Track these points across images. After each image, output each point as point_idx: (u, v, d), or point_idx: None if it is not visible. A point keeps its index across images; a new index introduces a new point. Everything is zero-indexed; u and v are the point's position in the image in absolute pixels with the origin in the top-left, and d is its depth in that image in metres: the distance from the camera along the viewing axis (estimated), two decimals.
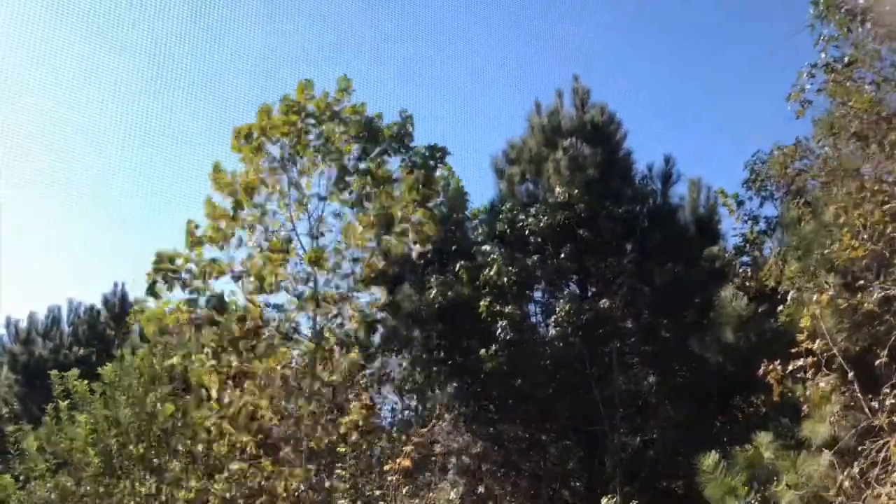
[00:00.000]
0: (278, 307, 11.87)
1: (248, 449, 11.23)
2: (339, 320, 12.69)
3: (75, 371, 13.02)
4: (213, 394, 11.32)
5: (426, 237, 12.36)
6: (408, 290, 12.09)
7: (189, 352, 11.51)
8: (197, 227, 11.74)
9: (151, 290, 11.59)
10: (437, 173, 12.26)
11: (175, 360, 11.59)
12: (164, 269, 11.56)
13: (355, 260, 12.14)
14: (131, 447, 11.72)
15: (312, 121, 11.97)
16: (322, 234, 11.96)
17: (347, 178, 11.90)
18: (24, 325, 28.04)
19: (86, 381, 12.75)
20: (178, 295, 11.81)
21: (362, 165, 12.06)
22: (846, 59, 6.83)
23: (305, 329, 12.43)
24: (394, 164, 12.20)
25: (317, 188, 12.14)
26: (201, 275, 11.57)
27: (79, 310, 28.99)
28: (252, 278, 11.64)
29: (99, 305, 28.54)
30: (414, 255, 12.44)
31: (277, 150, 12.00)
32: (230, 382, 11.34)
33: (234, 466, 11.29)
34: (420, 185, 11.86)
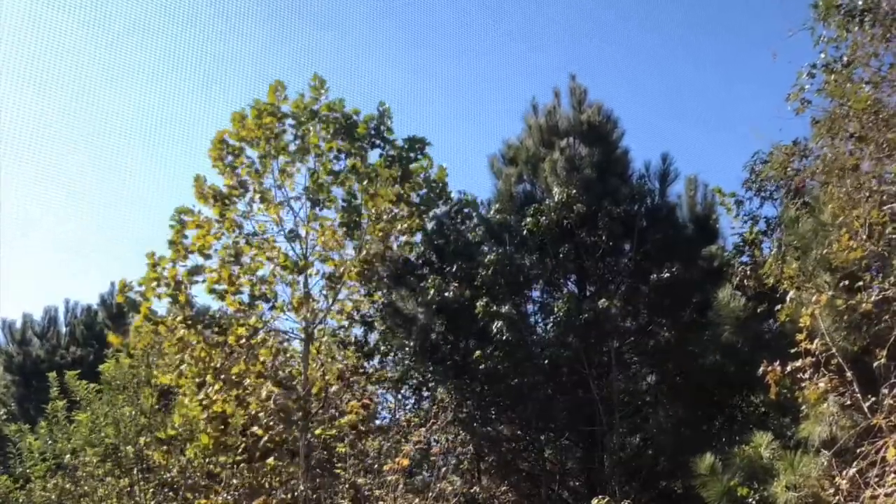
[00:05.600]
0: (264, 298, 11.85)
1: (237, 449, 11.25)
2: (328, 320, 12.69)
3: (73, 373, 13.04)
4: (193, 399, 11.37)
5: (412, 230, 12.34)
6: (405, 290, 12.07)
7: (176, 366, 11.54)
8: (185, 237, 11.74)
9: (131, 307, 11.61)
10: (419, 165, 12.21)
11: (163, 378, 11.64)
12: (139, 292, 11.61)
13: (326, 260, 12.12)
14: (129, 447, 11.75)
15: (291, 122, 11.94)
16: (304, 235, 11.95)
17: (326, 178, 11.88)
18: (19, 325, 27.98)
19: (85, 382, 12.78)
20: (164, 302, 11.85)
21: (340, 164, 12.02)
22: (845, 60, 6.84)
23: (296, 330, 12.43)
24: (373, 157, 12.18)
25: (298, 189, 12.14)
26: (181, 285, 11.58)
27: (75, 310, 28.95)
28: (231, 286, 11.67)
29: (96, 306, 28.50)
30: (397, 248, 12.41)
31: (256, 154, 12.00)
32: (213, 386, 11.36)
33: (222, 458, 11.34)
34: (398, 179, 11.83)
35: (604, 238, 11.76)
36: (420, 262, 12.75)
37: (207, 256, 11.80)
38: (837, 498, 6.24)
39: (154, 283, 11.66)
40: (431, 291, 11.71)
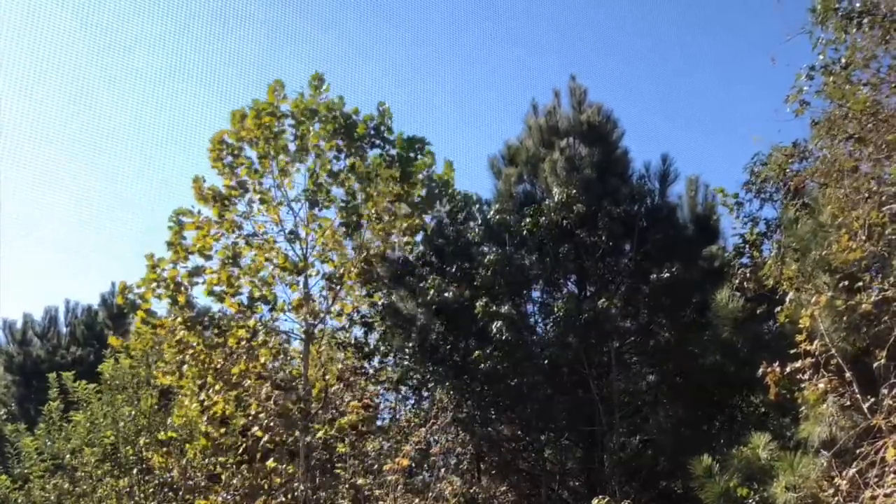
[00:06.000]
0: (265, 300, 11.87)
1: (236, 450, 11.27)
2: (328, 321, 12.71)
3: (69, 374, 13.04)
4: (193, 399, 11.38)
5: (413, 230, 12.34)
6: (404, 290, 12.06)
7: (174, 367, 11.55)
8: (184, 238, 11.76)
9: (131, 308, 11.64)
10: (422, 161, 12.23)
11: (163, 379, 11.64)
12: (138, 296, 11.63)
13: (326, 261, 12.14)
14: (128, 447, 11.76)
15: (291, 122, 11.93)
16: (304, 236, 11.96)
17: (326, 178, 11.89)
18: (19, 325, 27.99)
19: (84, 382, 12.79)
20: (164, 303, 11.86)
21: (340, 164, 12.03)
22: (843, 61, 6.84)
23: (296, 330, 12.46)
24: (372, 157, 12.19)
25: (298, 189, 12.15)
26: (181, 286, 11.60)
27: (76, 310, 28.98)
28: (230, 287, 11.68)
29: (96, 306, 28.52)
30: (397, 248, 12.43)
31: (255, 154, 12.00)
32: (213, 387, 11.37)
33: (222, 459, 11.37)
34: (398, 178, 11.84)
35: (604, 238, 11.75)
36: (420, 262, 12.74)
37: (208, 258, 11.81)
38: (837, 498, 6.25)
39: (153, 285, 11.67)
40: (431, 292, 11.70)
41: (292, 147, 12.04)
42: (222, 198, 11.82)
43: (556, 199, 11.69)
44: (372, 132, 12.09)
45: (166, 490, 11.73)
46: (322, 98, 11.97)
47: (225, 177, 11.92)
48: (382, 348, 13.16)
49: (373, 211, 12.05)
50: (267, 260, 12.05)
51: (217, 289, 11.74)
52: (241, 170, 11.95)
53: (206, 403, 11.44)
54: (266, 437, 11.15)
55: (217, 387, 11.53)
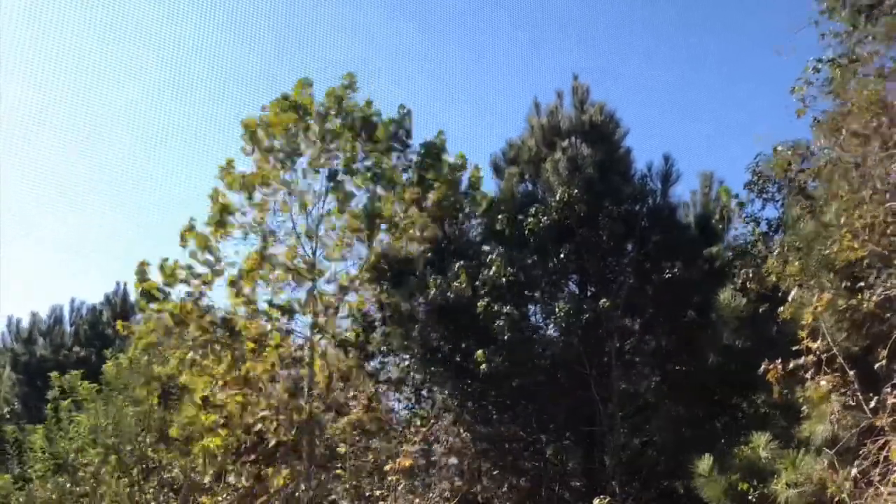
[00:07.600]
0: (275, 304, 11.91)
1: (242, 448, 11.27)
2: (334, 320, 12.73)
3: (77, 373, 13.06)
4: (198, 396, 11.39)
5: (423, 238, 12.35)
6: (406, 290, 12.05)
7: (179, 360, 11.57)
8: (193, 227, 11.80)
9: (148, 297, 11.69)
10: (444, 168, 12.28)
11: (165, 369, 11.66)
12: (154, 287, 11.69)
13: (339, 261, 12.19)
14: (129, 446, 11.77)
15: (315, 119, 11.98)
16: (320, 235, 12.00)
17: (346, 178, 11.92)
18: (25, 324, 28.07)
19: (87, 382, 12.80)
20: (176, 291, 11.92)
21: (359, 166, 12.07)
22: (851, 55, 6.80)
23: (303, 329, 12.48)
24: (392, 161, 12.23)
25: (319, 186, 12.20)
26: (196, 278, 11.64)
27: (81, 309, 29.05)
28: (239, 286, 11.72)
29: (101, 305, 28.57)
30: (405, 252, 12.47)
31: (280, 149, 12.06)
32: (222, 385, 11.38)
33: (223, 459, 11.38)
34: (415, 183, 11.87)
35: (605, 238, 11.73)
36: (422, 262, 12.72)
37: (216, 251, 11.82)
38: (839, 497, 6.22)
39: (175, 275, 11.76)
40: (433, 291, 11.69)
41: (315, 147, 12.11)
42: (249, 187, 11.93)
43: (557, 199, 11.66)
44: (391, 135, 12.16)
45: (167, 490, 11.73)
46: (350, 97, 12.05)
47: (259, 155, 12.01)
48: (384, 348, 13.14)
49: (389, 215, 12.10)
50: (282, 265, 12.12)
51: (236, 288, 11.81)
52: (266, 165, 12.06)
53: (215, 403, 11.45)
54: (275, 439, 11.18)
55: (226, 386, 11.55)
